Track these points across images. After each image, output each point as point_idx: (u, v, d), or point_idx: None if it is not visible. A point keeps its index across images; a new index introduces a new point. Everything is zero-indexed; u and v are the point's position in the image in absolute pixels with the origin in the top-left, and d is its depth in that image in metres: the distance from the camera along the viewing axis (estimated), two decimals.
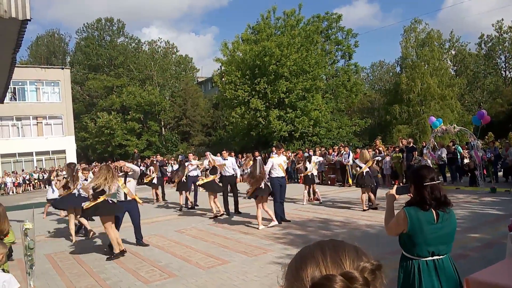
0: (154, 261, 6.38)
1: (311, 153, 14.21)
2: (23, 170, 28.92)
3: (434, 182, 2.48)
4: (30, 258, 3.49)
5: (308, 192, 11.98)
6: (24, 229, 3.43)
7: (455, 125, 13.52)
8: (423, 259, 2.50)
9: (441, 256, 2.51)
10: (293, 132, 25.27)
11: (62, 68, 33.95)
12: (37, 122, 31.39)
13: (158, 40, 45.38)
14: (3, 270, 3.04)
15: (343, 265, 0.76)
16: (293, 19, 28.53)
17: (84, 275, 5.92)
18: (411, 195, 2.65)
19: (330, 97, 29.51)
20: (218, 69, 30.81)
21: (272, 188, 8.73)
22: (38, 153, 31.31)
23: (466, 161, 14.05)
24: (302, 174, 11.98)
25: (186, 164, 12.05)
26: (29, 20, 5.11)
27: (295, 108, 25.27)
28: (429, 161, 13.06)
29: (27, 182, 28.02)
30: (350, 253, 0.79)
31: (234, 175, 10.64)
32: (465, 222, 7.62)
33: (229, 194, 10.63)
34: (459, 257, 4.98)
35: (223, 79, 28.05)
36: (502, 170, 14.62)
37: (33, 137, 30.90)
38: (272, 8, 28.78)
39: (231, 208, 10.47)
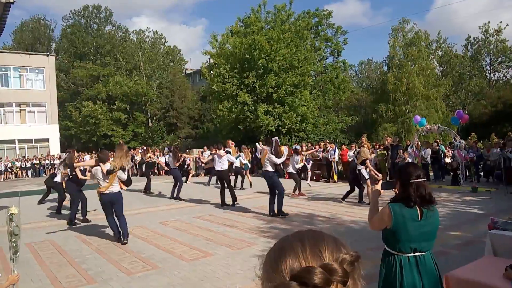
0: (137, 253, 6.33)
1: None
2: (0, 158, 28.28)
3: (420, 180, 2.51)
4: (14, 245, 3.43)
5: (297, 187, 12.17)
6: (9, 214, 3.36)
7: (439, 125, 13.74)
8: (405, 255, 2.53)
9: (423, 253, 2.55)
10: (280, 127, 25.31)
11: (47, 55, 33.24)
12: (20, 109, 30.74)
13: (146, 30, 44.84)
14: None
15: (323, 257, 0.76)
16: (283, 13, 28.47)
17: (65, 265, 5.84)
18: (396, 191, 2.67)
19: (318, 93, 29.61)
20: (207, 62, 30.58)
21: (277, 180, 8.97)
22: (20, 141, 30.70)
23: (448, 160, 14.30)
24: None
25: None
26: (12, 3, 4.98)
27: (283, 103, 25.30)
28: (409, 160, 13.25)
29: (9, 170, 27.48)
30: (330, 244, 0.79)
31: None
32: (446, 220, 7.75)
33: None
34: (439, 254, 5.06)
35: (211, 71, 27.87)
36: (483, 170, 14.91)
37: (16, 125, 30.27)
38: (262, 2, 28.66)
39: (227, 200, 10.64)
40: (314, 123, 27.29)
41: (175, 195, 12.10)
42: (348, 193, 10.63)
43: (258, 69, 25.02)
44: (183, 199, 11.99)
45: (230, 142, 11.82)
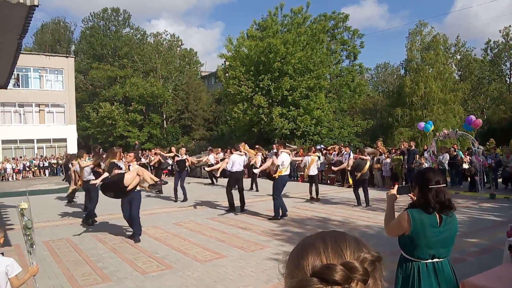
0: (151, 252, 6.40)
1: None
2: (21, 157, 28.87)
3: (439, 186, 2.46)
4: (29, 238, 3.51)
5: (310, 191, 12.04)
6: (20, 209, 3.44)
7: (457, 130, 13.52)
8: (423, 261, 2.49)
9: (440, 259, 2.50)
10: (295, 130, 25.26)
11: (67, 57, 33.84)
12: (39, 110, 31.35)
13: (164, 33, 45.32)
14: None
15: (344, 255, 0.77)
16: (300, 17, 28.46)
17: (81, 263, 5.94)
18: (411, 196, 2.64)
19: (333, 96, 29.49)
20: (223, 64, 30.75)
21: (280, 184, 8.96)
22: (39, 141, 31.30)
23: (465, 166, 14.06)
24: None
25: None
26: (37, 6, 5.10)
27: (298, 106, 25.25)
28: (426, 165, 13.06)
29: (27, 169, 28.05)
30: (351, 244, 0.80)
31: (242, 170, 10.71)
32: (463, 227, 7.61)
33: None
34: (456, 261, 4.98)
35: (227, 74, 28.01)
36: (501, 177, 14.60)
37: (34, 124, 30.88)
38: (279, 5, 28.71)
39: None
40: (329, 126, 27.17)
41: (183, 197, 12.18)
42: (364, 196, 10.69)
43: (274, 72, 25.03)
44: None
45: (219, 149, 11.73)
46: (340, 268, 0.73)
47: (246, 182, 15.30)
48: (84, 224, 8.80)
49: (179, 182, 12.25)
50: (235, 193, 10.24)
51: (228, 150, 12.47)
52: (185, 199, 12.06)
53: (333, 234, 0.85)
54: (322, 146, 17.86)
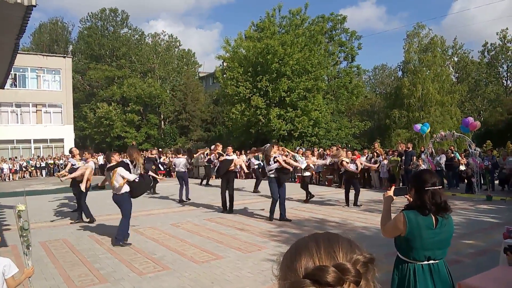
0: (148, 253, 6.38)
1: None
2: (16, 157, 28.76)
3: (435, 187, 2.47)
4: (26, 239, 3.51)
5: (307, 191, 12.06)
6: (17, 211, 3.44)
7: (454, 132, 13.58)
8: (419, 263, 2.50)
9: (436, 261, 2.51)
10: (292, 132, 25.28)
11: (64, 57, 33.78)
12: (37, 110, 31.29)
13: (162, 33, 45.27)
14: None
15: (336, 257, 0.78)
16: (298, 18, 28.51)
17: (77, 264, 5.92)
18: (408, 197, 2.64)
19: (331, 98, 29.54)
20: (220, 65, 30.75)
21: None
22: (36, 141, 31.22)
23: (462, 167, 14.11)
24: None
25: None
26: (34, 6, 5.09)
27: (295, 107, 25.28)
28: (423, 166, 13.10)
29: (24, 169, 27.95)
30: (344, 245, 0.81)
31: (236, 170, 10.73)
32: (460, 228, 7.63)
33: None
34: (452, 262, 4.99)
35: (225, 75, 28.02)
36: (498, 179, 14.65)
37: (31, 125, 30.81)
38: (278, 6, 28.74)
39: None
40: (327, 127, 27.21)
41: (184, 198, 12.17)
42: (355, 196, 10.79)
43: (271, 73, 25.04)
44: (189, 199, 12.14)
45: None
46: (332, 270, 0.74)
47: (241, 183, 15.33)
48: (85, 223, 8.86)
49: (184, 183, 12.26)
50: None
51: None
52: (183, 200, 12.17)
53: (326, 235, 0.85)
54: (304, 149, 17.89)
